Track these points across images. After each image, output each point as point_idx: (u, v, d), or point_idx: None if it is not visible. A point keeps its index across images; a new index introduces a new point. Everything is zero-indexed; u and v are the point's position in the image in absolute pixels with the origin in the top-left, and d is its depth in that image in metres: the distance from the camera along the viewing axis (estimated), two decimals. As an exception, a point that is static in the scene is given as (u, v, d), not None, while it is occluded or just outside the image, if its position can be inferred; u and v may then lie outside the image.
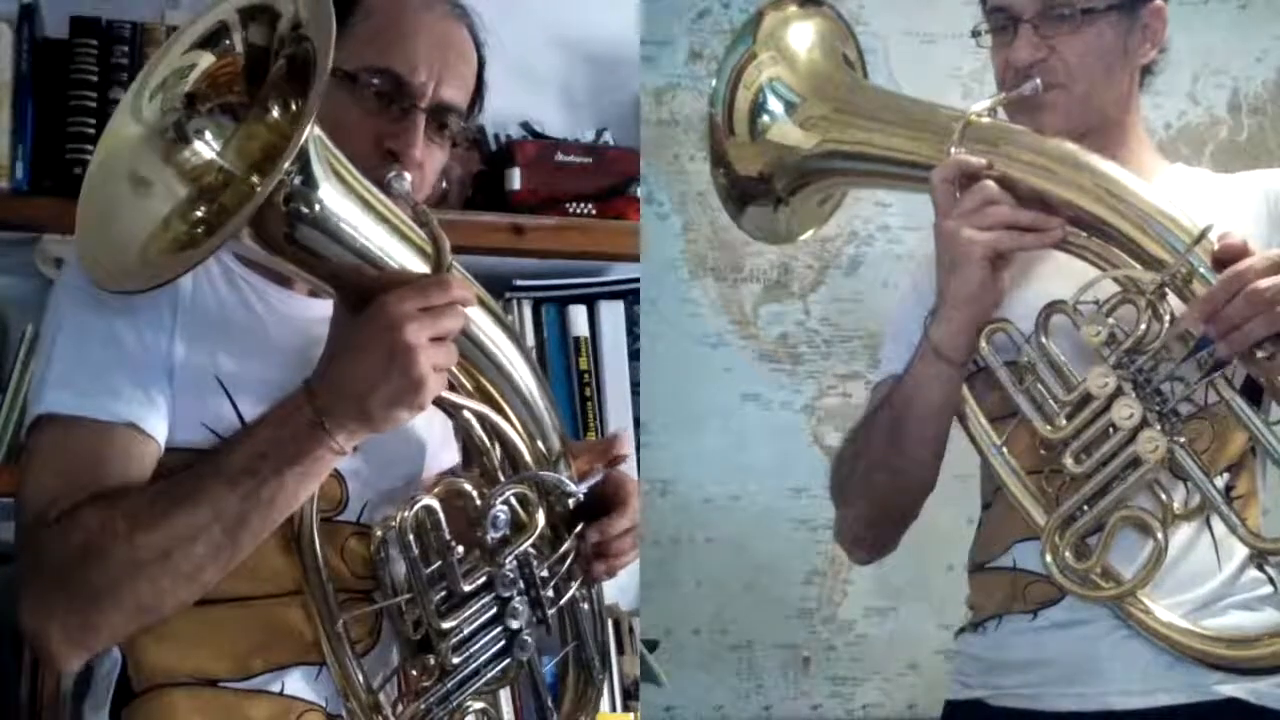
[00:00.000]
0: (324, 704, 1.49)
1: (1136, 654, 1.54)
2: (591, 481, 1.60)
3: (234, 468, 1.39)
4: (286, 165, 1.28)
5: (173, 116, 1.40)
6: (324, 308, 1.49)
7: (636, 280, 2.53)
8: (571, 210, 2.46)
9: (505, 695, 1.63)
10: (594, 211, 2.48)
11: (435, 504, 1.48)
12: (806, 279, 2.60)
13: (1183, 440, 1.50)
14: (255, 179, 1.40)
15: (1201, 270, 1.47)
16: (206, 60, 1.42)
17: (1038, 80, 1.60)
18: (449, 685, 1.47)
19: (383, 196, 1.42)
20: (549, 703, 1.60)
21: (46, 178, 2.19)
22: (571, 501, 1.58)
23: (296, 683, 1.48)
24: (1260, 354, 1.45)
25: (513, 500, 1.52)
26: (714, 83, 1.78)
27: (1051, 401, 1.55)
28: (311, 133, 1.31)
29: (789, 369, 2.59)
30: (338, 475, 1.48)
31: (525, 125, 2.53)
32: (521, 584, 1.52)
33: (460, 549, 1.48)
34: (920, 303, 1.64)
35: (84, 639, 1.39)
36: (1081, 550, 1.54)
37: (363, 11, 1.52)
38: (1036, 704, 1.60)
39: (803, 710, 2.56)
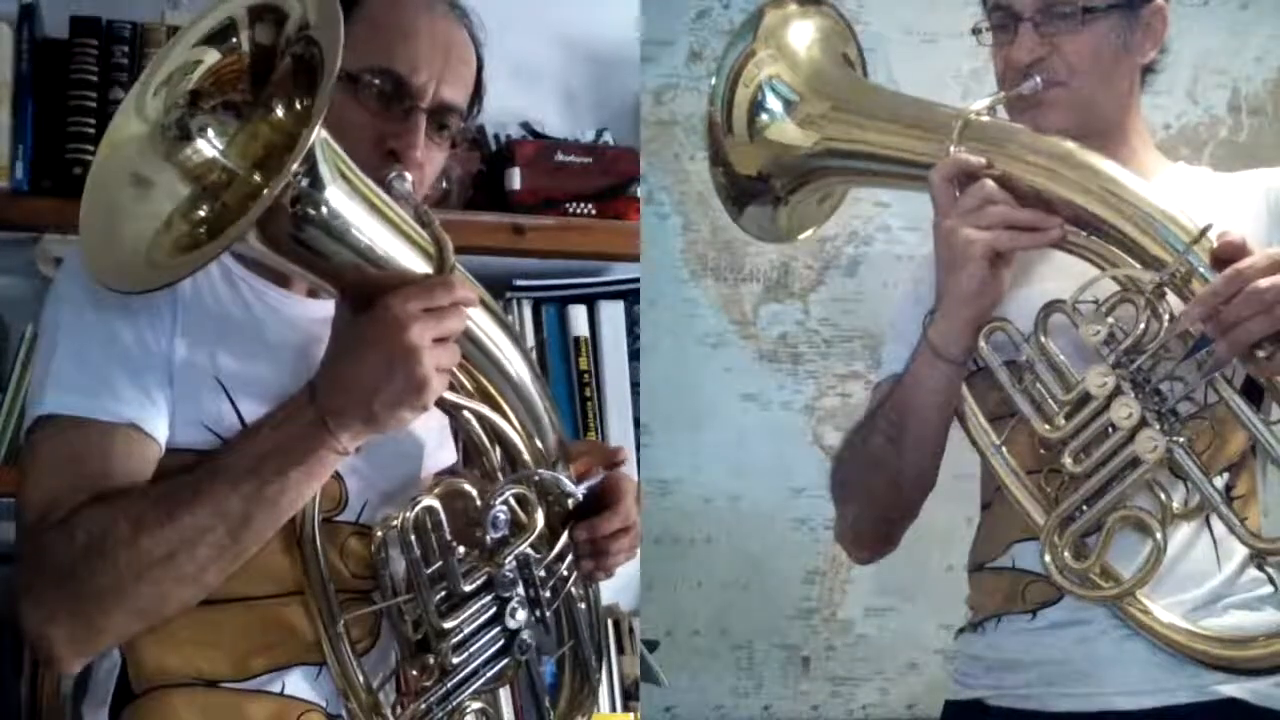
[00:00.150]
0: (324, 704, 1.49)
1: (1136, 654, 1.54)
2: (591, 483, 1.60)
3: (237, 468, 1.39)
4: (294, 167, 1.28)
5: (176, 113, 1.40)
6: (323, 308, 1.49)
7: (636, 280, 2.53)
8: (571, 210, 2.46)
9: (505, 696, 1.63)
10: (594, 211, 2.48)
11: (436, 504, 1.48)
12: (806, 279, 2.60)
13: (1182, 440, 1.50)
14: (257, 177, 1.39)
15: (1201, 269, 1.46)
16: (212, 57, 1.42)
17: (1038, 79, 1.60)
18: (449, 685, 1.47)
19: (387, 198, 1.43)
20: (546, 702, 1.60)
21: (46, 178, 2.18)
22: (570, 502, 1.58)
23: (297, 683, 1.48)
24: (1260, 353, 1.45)
25: (512, 501, 1.52)
26: (713, 81, 1.78)
27: (1050, 401, 1.55)
28: (319, 134, 1.31)
29: (789, 369, 2.59)
30: (337, 475, 1.48)
31: (525, 125, 2.53)
32: (521, 584, 1.52)
33: (461, 549, 1.48)
34: (920, 302, 1.64)
35: (87, 641, 1.39)
36: (1080, 550, 1.54)
37: (363, 12, 1.52)
38: (1036, 704, 1.60)
39: (803, 710, 2.56)
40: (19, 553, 1.43)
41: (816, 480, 2.38)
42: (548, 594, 1.55)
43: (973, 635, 1.68)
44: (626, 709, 2.44)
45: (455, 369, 1.46)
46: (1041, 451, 1.56)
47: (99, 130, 2.15)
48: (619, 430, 2.47)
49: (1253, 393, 1.53)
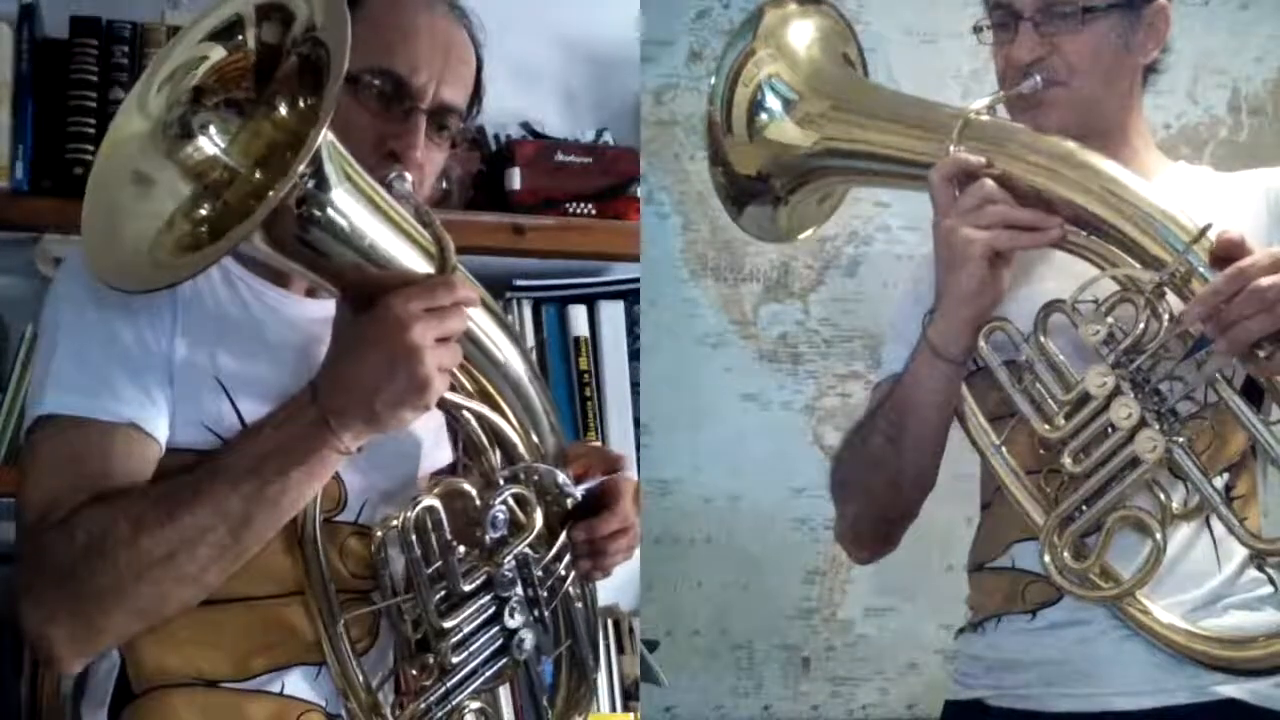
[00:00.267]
0: (324, 704, 1.49)
1: (1135, 654, 1.54)
2: (589, 484, 1.60)
3: (239, 468, 1.39)
4: (301, 169, 1.28)
5: (178, 110, 1.40)
6: (322, 308, 1.49)
7: (636, 280, 2.53)
8: (571, 210, 2.46)
9: (505, 695, 1.63)
10: (594, 211, 2.48)
11: (437, 504, 1.48)
12: (806, 279, 2.61)
13: (1181, 440, 1.50)
14: (259, 176, 1.39)
15: (1200, 269, 1.46)
16: (217, 54, 1.42)
17: (1038, 78, 1.60)
18: (448, 685, 1.47)
19: (390, 198, 1.42)
20: (544, 701, 1.60)
21: (46, 178, 2.18)
22: (569, 502, 1.59)
23: (296, 683, 1.48)
24: (1260, 353, 1.45)
25: (511, 501, 1.52)
26: (713, 80, 1.78)
27: (1050, 401, 1.54)
28: (325, 136, 1.31)
29: (789, 369, 2.59)
30: (336, 475, 1.48)
31: (525, 125, 2.53)
32: (520, 584, 1.52)
33: (461, 549, 1.49)
34: (920, 302, 1.64)
35: (87, 641, 1.39)
36: (1080, 550, 1.54)
37: (363, 12, 1.52)
38: (1036, 704, 1.60)
39: (802, 710, 2.56)
40: (19, 553, 1.42)
41: (816, 480, 2.37)
42: (545, 594, 1.55)
43: (973, 635, 1.68)
44: (626, 709, 2.44)
45: (455, 369, 1.46)
46: (1041, 451, 1.56)
47: (99, 130, 2.15)
48: (619, 430, 2.47)
49: (1253, 393, 1.53)
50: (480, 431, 1.54)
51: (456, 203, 2.38)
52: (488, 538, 1.50)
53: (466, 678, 1.48)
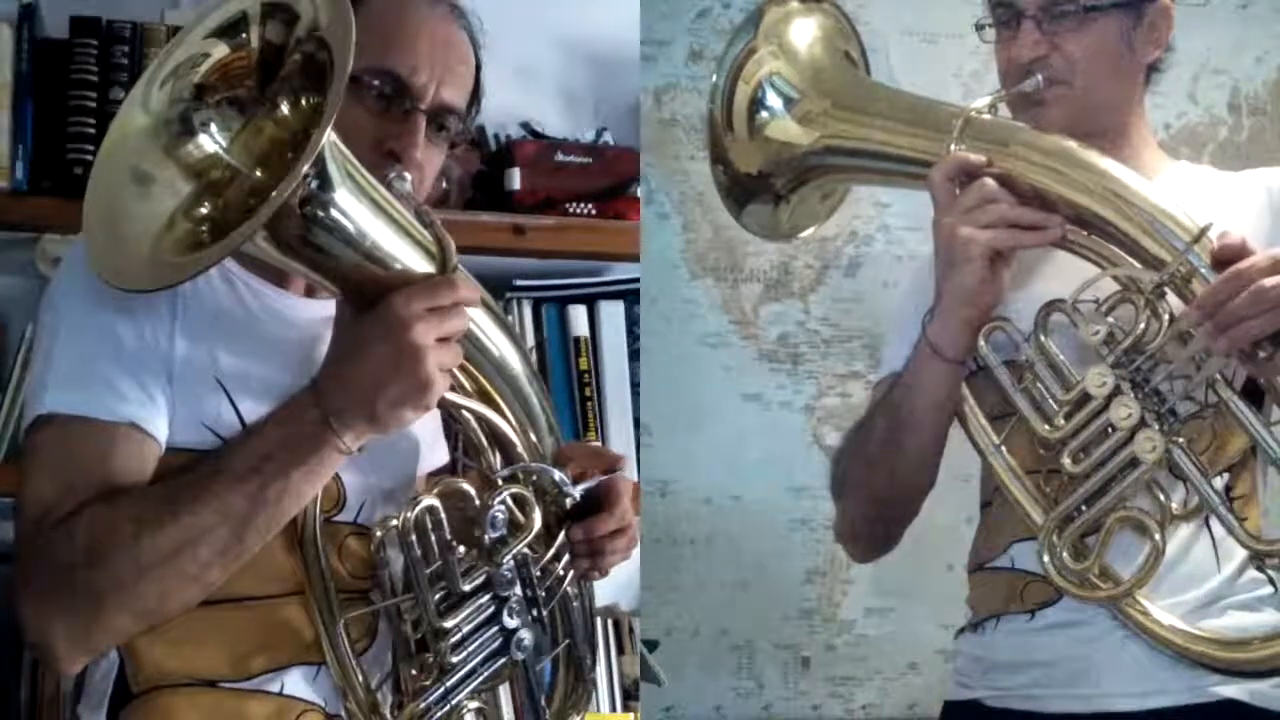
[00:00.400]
0: (323, 704, 1.49)
1: (1134, 655, 1.54)
2: (588, 485, 1.60)
3: (240, 468, 1.38)
4: (305, 168, 1.28)
5: (179, 107, 1.39)
6: (321, 307, 1.49)
7: (636, 280, 2.53)
8: (571, 210, 2.46)
9: (505, 695, 1.63)
10: (594, 211, 2.47)
11: (437, 504, 1.48)
12: (806, 279, 2.61)
13: (1181, 440, 1.50)
14: (260, 174, 1.39)
15: (1201, 269, 1.46)
16: (220, 51, 1.41)
17: (1039, 76, 1.60)
18: (447, 684, 1.47)
19: (391, 198, 1.42)
20: (543, 701, 1.60)
21: (46, 178, 2.18)
22: (568, 502, 1.58)
23: (296, 683, 1.48)
24: (1260, 354, 1.45)
25: (510, 500, 1.52)
26: (714, 78, 1.78)
27: (1050, 401, 1.54)
28: (329, 136, 1.31)
29: (789, 369, 2.59)
30: (336, 475, 1.48)
31: (525, 125, 2.53)
32: (519, 583, 1.52)
33: (460, 549, 1.49)
34: (920, 301, 1.64)
35: (88, 642, 1.38)
36: (1079, 550, 1.54)
37: (363, 13, 1.52)
38: (1035, 705, 1.60)
39: (802, 710, 2.56)
40: (19, 553, 1.42)
41: (816, 480, 2.38)
42: (544, 594, 1.55)
43: (972, 635, 1.68)
44: (626, 709, 2.44)
45: (456, 369, 1.46)
46: (1041, 451, 1.56)
47: (99, 130, 2.15)
48: (619, 430, 2.47)
49: (1253, 394, 1.53)
50: (479, 431, 1.54)
51: (456, 203, 2.38)
52: (487, 538, 1.50)
53: (465, 677, 1.48)
